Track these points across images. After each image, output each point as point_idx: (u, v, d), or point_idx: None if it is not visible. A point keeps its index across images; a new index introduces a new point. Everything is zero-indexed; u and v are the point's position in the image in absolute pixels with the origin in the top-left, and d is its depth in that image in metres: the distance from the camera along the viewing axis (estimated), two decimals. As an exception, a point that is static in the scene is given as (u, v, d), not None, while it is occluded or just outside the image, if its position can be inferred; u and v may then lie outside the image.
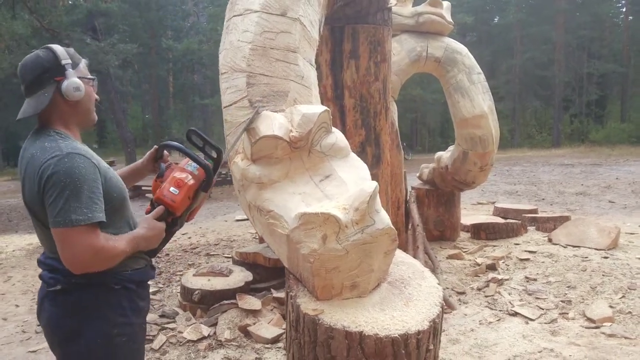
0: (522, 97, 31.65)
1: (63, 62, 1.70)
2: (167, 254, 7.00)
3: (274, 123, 2.08)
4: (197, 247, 7.38)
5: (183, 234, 8.65)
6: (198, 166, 1.95)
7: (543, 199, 10.54)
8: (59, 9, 16.36)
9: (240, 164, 2.13)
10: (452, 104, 5.62)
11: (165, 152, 2.10)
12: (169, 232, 1.92)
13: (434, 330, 1.82)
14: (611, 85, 33.95)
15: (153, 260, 2.00)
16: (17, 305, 4.95)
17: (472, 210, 9.02)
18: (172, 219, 1.91)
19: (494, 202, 9.36)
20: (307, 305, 1.86)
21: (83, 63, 1.80)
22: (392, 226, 1.85)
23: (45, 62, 1.69)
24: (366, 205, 1.77)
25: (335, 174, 2.12)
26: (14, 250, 7.92)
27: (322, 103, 3.59)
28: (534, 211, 7.42)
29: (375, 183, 1.88)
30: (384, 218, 1.83)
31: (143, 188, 14.56)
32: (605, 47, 32.22)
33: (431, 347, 1.83)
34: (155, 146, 2.10)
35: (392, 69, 5.35)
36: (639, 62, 31.99)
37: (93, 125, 1.90)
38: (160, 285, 5.22)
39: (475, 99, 5.40)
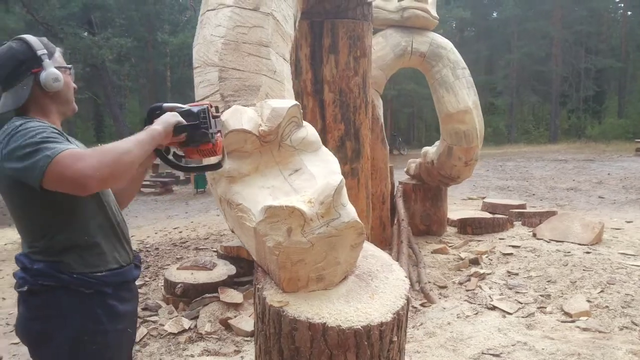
0: (519, 92, 31.64)
1: (39, 52, 1.64)
2: (157, 248, 7.03)
3: (243, 117, 2.09)
4: (187, 242, 7.41)
5: (174, 228, 8.68)
6: None
7: (533, 195, 10.59)
8: (53, 2, 16.28)
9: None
10: (437, 99, 5.64)
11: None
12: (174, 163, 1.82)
13: (398, 322, 1.84)
14: (609, 81, 33.95)
15: (141, 255, 1.92)
16: (3, 299, 4.97)
17: (462, 205, 9.07)
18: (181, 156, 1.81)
19: (484, 198, 9.40)
20: (273, 297, 1.87)
21: (58, 52, 1.75)
22: (358, 220, 1.87)
23: (20, 54, 1.63)
24: (331, 199, 1.79)
25: (305, 167, 2.13)
26: (5, 244, 7.94)
27: (302, 97, 3.62)
28: (522, 206, 7.46)
29: (341, 177, 1.89)
30: (350, 212, 1.85)
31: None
32: (603, 42, 32.24)
33: (395, 338, 1.85)
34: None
35: (377, 64, 5.37)
36: (637, 57, 32.06)
37: (73, 114, 1.84)
38: (147, 279, 5.25)
39: (460, 94, 5.42)
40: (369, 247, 2.36)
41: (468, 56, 32.76)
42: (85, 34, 20.04)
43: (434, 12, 5.56)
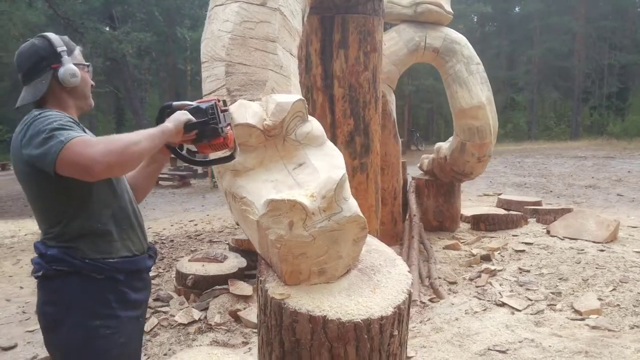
0: (540, 88, 31.20)
1: (59, 49, 1.73)
2: (172, 240, 7.12)
3: (248, 111, 2.11)
4: (201, 234, 7.48)
5: (190, 221, 8.78)
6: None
7: (551, 192, 10.46)
8: (75, -3, 16.52)
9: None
10: (450, 94, 5.60)
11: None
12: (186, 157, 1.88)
13: (399, 316, 1.85)
14: (633, 77, 33.22)
15: (157, 246, 1.97)
16: (21, 287, 5.09)
17: (477, 202, 9.00)
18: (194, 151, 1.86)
19: (500, 194, 9.32)
20: (275, 289, 1.90)
21: (77, 50, 1.83)
22: (360, 214, 1.88)
23: (41, 50, 1.72)
24: (333, 193, 1.80)
25: (309, 162, 2.14)
26: (26, 235, 8.12)
27: (312, 92, 3.64)
28: (538, 203, 7.37)
29: (343, 171, 1.91)
30: (352, 206, 1.86)
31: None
32: (627, 37, 31.50)
33: (395, 332, 1.87)
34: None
35: (390, 59, 5.36)
36: (663, 53, 31.31)
37: (90, 109, 1.92)
38: (161, 270, 5.33)
39: (473, 90, 5.37)
40: (373, 242, 2.38)
41: (489, 52, 32.32)
42: (107, 28, 20.25)
43: (448, 7, 5.51)
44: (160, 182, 14.46)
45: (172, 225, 8.45)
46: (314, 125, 2.22)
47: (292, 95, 2.27)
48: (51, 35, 1.76)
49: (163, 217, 9.41)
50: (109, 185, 1.75)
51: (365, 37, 3.46)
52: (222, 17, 2.42)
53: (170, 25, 28.92)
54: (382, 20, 3.61)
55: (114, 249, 1.74)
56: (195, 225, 8.42)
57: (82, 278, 1.66)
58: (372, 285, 1.97)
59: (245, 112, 2.10)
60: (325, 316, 1.73)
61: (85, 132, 1.67)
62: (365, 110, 3.52)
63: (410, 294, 1.98)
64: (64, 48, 1.74)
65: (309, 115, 2.23)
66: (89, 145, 1.47)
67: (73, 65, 1.74)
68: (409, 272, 2.15)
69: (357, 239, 1.96)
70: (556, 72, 30.93)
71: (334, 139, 3.50)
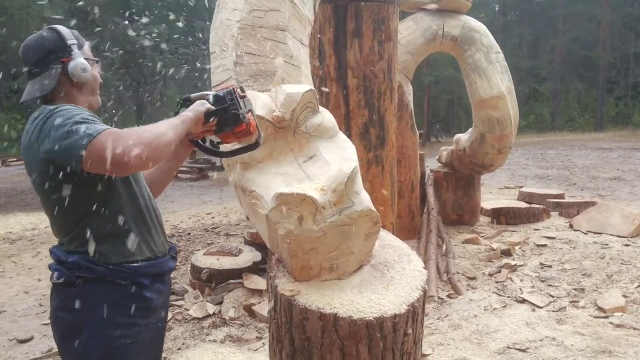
0: (564, 78, 30.64)
1: (69, 42, 1.65)
2: (189, 233, 7.14)
3: (257, 103, 2.05)
4: (218, 227, 7.49)
5: (207, 214, 8.80)
6: None
7: (574, 184, 10.23)
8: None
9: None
10: (469, 84, 5.48)
11: None
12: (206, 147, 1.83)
13: (413, 314, 1.78)
14: (660, 67, 32.43)
15: (175, 244, 1.91)
16: (39, 280, 5.14)
17: (497, 195, 8.84)
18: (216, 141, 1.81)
19: (521, 187, 9.14)
20: (285, 285, 1.85)
21: (87, 45, 1.74)
22: (372, 208, 1.81)
23: (51, 42, 1.64)
24: (344, 187, 1.73)
25: (320, 154, 2.08)
26: (46, 227, 8.22)
27: (326, 83, 3.55)
28: (561, 196, 7.19)
29: (355, 164, 1.84)
30: (363, 200, 1.79)
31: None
32: (655, 25, 30.76)
33: (409, 331, 1.80)
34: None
35: (407, 49, 5.25)
36: (691, 42, 30.46)
37: (98, 107, 1.82)
38: (177, 264, 5.33)
39: (493, 79, 5.23)
40: (386, 237, 2.31)
41: (511, 41, 31.87)
42: (126, 22, 20.36)
43: (466, -6, 5.38)
44: (179, 174, 14.55)
45: (189, 218, 8.48)
46: (325, 117, 2.15)
47: (302, 85, 2.20)
48: (61, 28, 1.68)
49: (181, 210, 9.46)
50: (128, 183, 1.67)
51: (380, 25, 3.36)
52: (230, 5, 2.36)
53: (189, 18, 29.00)
54: (397, 8, 3.51)
55: (137, 251, 1.67)
56: (212, 218, 8.44)
57: (105, 284, 1.59)
58: (385, 282, 1.91)
59: (254, 103, 2.04)
60: (336, 313, 1.67)
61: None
62: (380, 101, 3.43)
63: (425, 291, 1.91)
64: (75, 41, 1.67)
65: (320, 107, 2.16)
66: (118, 137, 1.39)
67: (84, 60, 1.66)
68: (424, 268, 2.07)
69: (370, 234, 1.89)
70: (580, 61, 30.31)
71: (348, 130, 3.42)
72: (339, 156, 2.06)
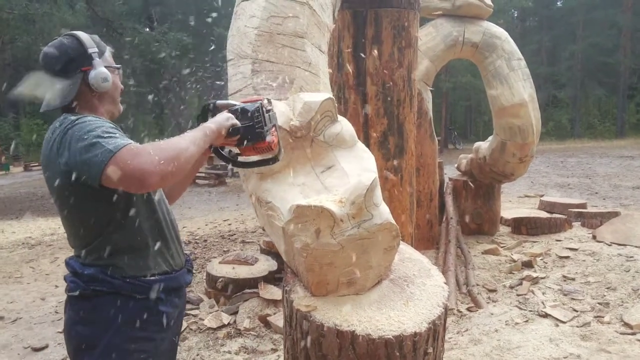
0: (584, 84, 30.28)
1: (90, 51, 1.61)
2: (205, 240, 7.13)
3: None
4: (234, 234, 7.47)
5: (224, 220, 8.79)
6: None
7: (596, 193, 10.03)
8: (115, -1, 16.85)
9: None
10: (490, 91, 5.37)
11: None
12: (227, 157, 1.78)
13: (434, 332, 1.72)
14: (682, 74, 31.82)
15: (190, 255, 1.87)
16: (56, 286, 5.15)
17: (517, 204, 8.69)
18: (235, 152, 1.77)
19: (542, 196, 8.97)
20: (301, 300, 1.80)
21: (108, 51, 1.72)
22: (392, 221, 1.75)
23: (71, 50, 1.60)
24: (363, 199, 1.68)
25: (338, 164, 2.03)
26: (65, 233, 8.27)
27: (344, 90, 3.50)
28: (583, 206, 7.03)
29: (374, 175, 1.78)
30: (383, 212, 1.73)
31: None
32: (677, 32, 30.21)
33: (430, 350, 1.73)
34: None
35: (427, 55, 5.18)
36: None
37: (119, 114, 1.80)
38: (193, 271, 5.30)
39: (515, 87, 5.13)
40: (406, 250, 2.24)
41: (529, 47, 31.62)
42: (147, 29, 20.62)
43: (488, 0, 5.29)
44: (197, 180, 14.61)
45: (206, 225, 8.48)
46: (344, 126, 2.10)
47: (321, 93, 2.15)
48: (81, 35, 1.64)
49: (198, 216, 9.47)
50: (147, 195, 1.65)
51: (400, 32, 3.30)
52: (248, 12, 2.33)
53: (209, 25, 29.27)
54: (417, 15, 3.45)
55: (154, 265, 1.66)
56: (229, 225, 8.42)
57: (122, 298, 1.57)
58: (404, 298, 1.84)
59: (272, 112, 2.00)
60: (353, 331, 1.61)
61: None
62: (400, 108, 3.36)
63: (446, 308, 1.84)
64: (95, 49, 1.63)
65: (339, 115, 2.11)
66: (139, 154, 1.34)
67: (105, 69, 1.63)
68: (445, 283, 2.00)
69: (389, 248, 1.83)
70: (600, 68, 29.94)
71: (366, 139, 3.36)
72: (358, 167, 2.00)
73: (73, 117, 1.50)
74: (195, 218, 9.28)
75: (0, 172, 21.64)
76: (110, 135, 1.42)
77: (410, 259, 2.18)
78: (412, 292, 1.88)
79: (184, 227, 8.23)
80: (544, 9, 33.47)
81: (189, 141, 1.46)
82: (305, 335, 1.71)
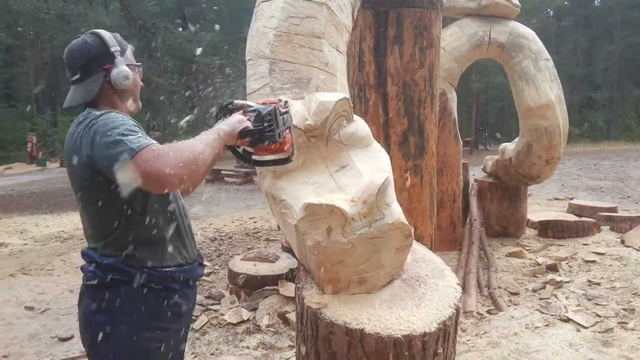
0: (621, 85, 29.40)
1: (112, 49, 1.66)
2: (230, 237, 7.21)
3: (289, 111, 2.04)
4: (259, 232, 7.54)
5: (250, 218, 8.88)
6: None
7: (629, 197, 9.75)
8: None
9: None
10: (516, 92, 5.30)
11: None
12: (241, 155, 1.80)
13: (444, 333, 1.71)
14: None
15: (204, 252, 1.92)
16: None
17: (546, 206, 8.51)
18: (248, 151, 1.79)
19: (572, 199, 8.77)
20: (312, 298, 1.82)
21: (129, 49, 1.77)
22: (404, 221, 1.75)
23: (94, 49, 1.65)
24: (374, 198, 1.69)
25: (352, 164, 2.04)
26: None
27: (365, 90, 3.51)
28: (613, 209, 6.85)
29: (387, 175, 1.79)
30: (394, 212, 1.74)
31: (222, 172, 15.07)
32: None
33: (440, 350, 1.73)
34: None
35: (451, 55, 5.14)
36: None
37: (137, 112, 1.83)
38: (217, 267, 5.39)
39: (541, 87, 5.04)
40: (420, 250, 2.24)
41: (565, 47, 30.84)
42: (180, 29, 20.93)
43: (515, -1, 5.22)
44: (225, 178, 14.78)
45: (232, 222, 8.58)
46: (359, 126, 2.11)
47: (336, 93, 2.16)
48: (104, 33, 1.69)
49: (225, 214, 9.59)
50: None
51: (422, 32, 3.29)
52: (267, 13, 2.36)
53: (240, 25, 29.58)
54: (440, 14, 3.43)
55: (170, 257, 1.70)
56: (255, 222, 8.50)
57: (139, 287, 1.61)
58: (416, 298, 1.84)
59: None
60: (363, 329, 1.62)
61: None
62: (421, 109, 3.35)
63: (458, 309, 1.83)
64: (117, 48, 1.68)
65: (354, 115, 2.12)
66: (161, 156, 1.38)
67: (126, 67, 1.68)
68: (458, 284, 1.99)
69: (401, 248, 1.83)
70: (638, 68, 28.98)
71: (387, 139, 3.36)
72: (372, 166, 2.01)
73: (97, 112, 1.55)
74: (222, 215, 9.40)
75: (38, 167, 22.34)
76: (134, 133, 1.45)
77: (423, 259, 2.18)
78: (423, 292, 1.88)
79: (210, 224, 8.36)
80: (580, 8, 32.67)
81: (204, 144, 1.50)
82: (315, 331, 1.73)
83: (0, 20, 18.51)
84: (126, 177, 1.40)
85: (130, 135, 1.43)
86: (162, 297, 1.65)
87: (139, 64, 1.80)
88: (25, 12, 11.91)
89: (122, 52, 1.70)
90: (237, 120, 1.64)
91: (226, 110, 1.74)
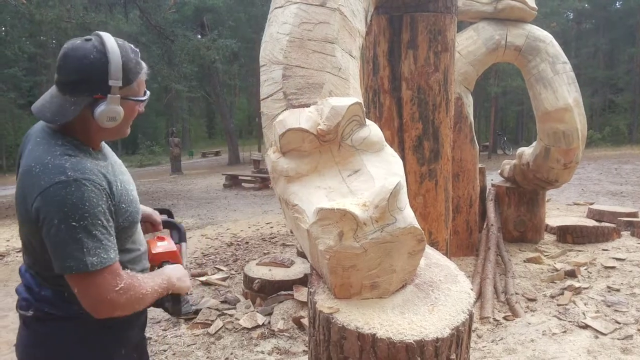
0: (643, 88, 28.92)
1: (110, 83, 1.39)
2: (247, 242, 7.24)
3: (302, 116, 2.06)
4: (275, 237, 7.55)
5: (267, 223, 8.91)
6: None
7: (651, 202, 9.57)
8: (166, 6, 17.38)
9: (272, 156, 2.13)
10: (533, 96, 5.24)
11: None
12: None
13: (457, 339, 1.70)
14: None
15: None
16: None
17: (565, 211, 8.39)
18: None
19: (592, 204, 8.64)
20: (324, 302, 1.82)
21: (141, 75, 1.51)
22: (416, 226, 1.75)
23: (93, 70, 1.38)
24: (386, 203, 1.69)
25: (365, 168, 2.05)
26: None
27: (379, 95, 3.51)
28: (634, 215, 6.73)
29: (399, 179, 1.78)
30: (407, 217, 1.74)
31: (240, 177, 15.14)
32: None
33: (453, 356, 1.72)
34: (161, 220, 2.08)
35: (467, 59, 5.11)
36: None
37: (122, 137, 1.63)
38: (233, 272, 5.41)
39: (559, 91, 4.98)
40: (433, 255, 2.23)
41: (585, 50, 30.50)
42: (199, 36, 21.16)
43: (531, 3, 5.17)
44: (242, 184, 14.86)
45: (249, 227, 8.62)
46: (372, 130, 2.11)
47: (348, 98, 2.17)
48: (112, 56, 1.39)
49: (242, 219, 9.63)
50: (137, 223, 1.65)
51: (436, 36, 3.28)
52: (281, 19, 2.38)
53: (258, 32, 29.84)
54: (454, 18, 3.42)
55: None
56: (271, 227, 8.53)
57: (77, 325, 1.47)
58: (429, 303, 1.83)
59: (299, 116, 2.05)
60: (374, 334, 1.62)
61: (110, 187, 1.44)
62: (435, 113, 3.34)
63: (471, 315, 1.82)
64: (119, 83, 1.41)
65: (367, 120, 2.13)
66: (107, 289, 1.34)
67: (118, 108, 1.43)
68: (471, 289, 1.98)
69: (413, 252, 1.82)
70: (661, 70, 28.54)
71: (401, 143, 3.35)
72: (385, 171, 2.01)
73: (69, 177, 1.33)
74: (239, 220, 9.45)
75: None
76: (96, 236, 1.33)
77: (437, 264, 2.17)
78: (436, 298, 1.87)
79: (227, 229, 8.40)
80: (601, 11, 32.28)
81: (152, 290, 1.49)
82: (327, 336, 1.73)
83: (23, 29, 18.96)
84: (65, 281, 1.36)
85: (91, 240, 1.32)
86: (105, 332, 1.53)
87: (144, 98, 1.55)
88: (48, 21, 12.16)
89: (127, 82, 1.44)
90: (186, 287, 1.69)
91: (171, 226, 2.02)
